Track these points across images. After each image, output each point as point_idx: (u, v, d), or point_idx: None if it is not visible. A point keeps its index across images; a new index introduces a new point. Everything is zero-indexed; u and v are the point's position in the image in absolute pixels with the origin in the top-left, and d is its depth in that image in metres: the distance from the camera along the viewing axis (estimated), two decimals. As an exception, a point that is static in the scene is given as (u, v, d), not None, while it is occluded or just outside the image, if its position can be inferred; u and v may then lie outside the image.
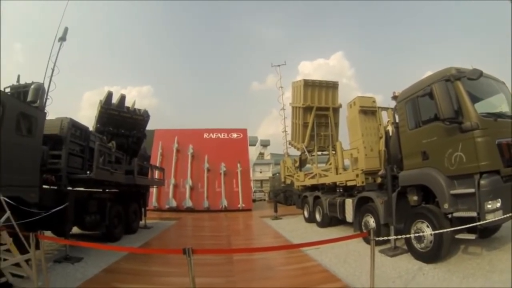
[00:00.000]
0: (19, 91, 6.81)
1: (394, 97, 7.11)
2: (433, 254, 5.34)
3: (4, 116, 5.02)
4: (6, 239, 3.99)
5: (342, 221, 9.97)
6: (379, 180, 8.20)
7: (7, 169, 4.90)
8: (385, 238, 5.37)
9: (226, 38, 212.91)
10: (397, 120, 6.94)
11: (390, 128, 7.73)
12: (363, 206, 8.07)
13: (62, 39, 7.57)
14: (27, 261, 4.13)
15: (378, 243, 6.38)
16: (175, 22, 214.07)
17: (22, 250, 4.13)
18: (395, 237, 5.95)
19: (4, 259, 4.07)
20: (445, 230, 4.86)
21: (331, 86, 14.93)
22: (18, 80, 7.04)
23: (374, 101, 9.07)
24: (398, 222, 6.41)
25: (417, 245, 5.70)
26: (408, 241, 5.94)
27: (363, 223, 7.93)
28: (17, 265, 4.13)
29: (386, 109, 8.73)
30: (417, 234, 5.60)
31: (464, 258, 5.62)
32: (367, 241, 7.17)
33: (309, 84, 14.54)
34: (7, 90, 6.70)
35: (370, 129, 8.78)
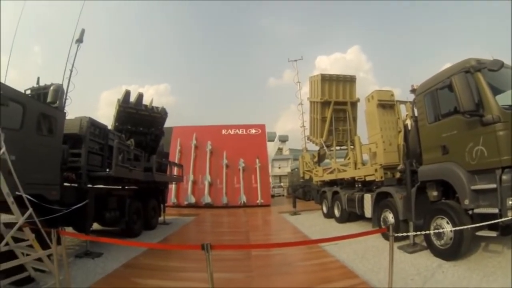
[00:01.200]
0: (39, 92, 6.94)
1: (413, 90, 6.92)
2: (453, 252, 5.20)
3: (25, 117, 5.15)
4: (29, 235, 4.09)
5: (360, 217, 9.86)
6: (398, 175, 8.05)
7: (29, 168, 5.01)
8: (404, 234, 5.27)
9: (242, 35, 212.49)
10: (416, 114, 6.77)
11: (409, 122, 7.57)
12: (382, 201, 7.93)
13: (79, 40, 7.67)
14: (49, 256, 4.24)
15: (397, 239, 6.27)
16: (191, 20, 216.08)
17: (44, 245, 4.23)
18: (414, 233, 5.82)
19: (27, 254, 4.18)
20: (465, 227, 4.69)
21: (349, 80, 14.76)
22: (38, 82, 7.20)
23: (392, 95, 8.87)
24: (417, 218, 6.28)
25: (436, 242, 5.56)
26: (427, 237, 5.81)
27: (381, 219, 7.80)
28: (39, 260, 4.24)
29: (404, 102, 8.50)
30: (436, 231, 5.41)
31: (484, 256, 5.44)
32: (385, 237, 7.08)
33: (326, 79, 14.42)
34: (28, 92, 6.87)
35: (389, 123, 8.59)
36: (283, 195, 36.49)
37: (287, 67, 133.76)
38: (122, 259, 6.27)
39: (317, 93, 14.77)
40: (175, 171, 14.49)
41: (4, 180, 3.70)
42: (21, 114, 5.11)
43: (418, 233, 5.13)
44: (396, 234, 3.87)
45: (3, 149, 3.68)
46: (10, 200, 3.82)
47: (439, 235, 5.48)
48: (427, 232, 5.50)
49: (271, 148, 48.09)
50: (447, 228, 5.27)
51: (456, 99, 5.11)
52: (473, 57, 5.24)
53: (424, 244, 6.09)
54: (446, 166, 5.55)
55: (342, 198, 10.94)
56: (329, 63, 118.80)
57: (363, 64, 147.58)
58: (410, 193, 6.49)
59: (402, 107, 8.64)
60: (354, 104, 14.78)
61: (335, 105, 14.42)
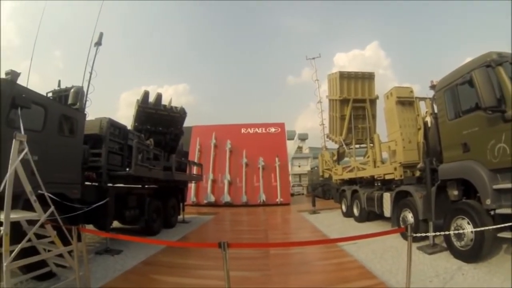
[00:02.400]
0: (61, 95, 7.15)
1: (432, 86, 6.73)
2: (473, 253, 5.00)
3: (46, 119, 5.33)
4: (51, 232, 4.21)
5: (380, 216, 9.69)
6: (417, 173, 7.84)
7: (51, 167, 5.16)
8: (423, 234, 5.14)
9: (260, 34, 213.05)
10: (435, 111, 6.60)
11: (428, 119, 7.37)
12: (401, 200, 7.77)
13: (98, 43, 7.83)
14: (69, 252, 4.34)
15: (416, 240, 6.18)
16: (209, 20, 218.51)
17: (65, 242, 4.34)
18: (434, 233, 5.66)
19: (49, 250, 4.32)
20: (486, 228, 4.52)
21: (367, 77, 14.58)
22: (59, 85, 7.43)
23: (411, 91, 8.62)
24: (437, 218, 6.10)
25: (456, 243, 5.37)
26: (447, 238, 5.62)
27: (401, 218, 7.63)
28: (60, 256, 4.36)
29: (424, 99, 8.23)
30: (457, 231, 5.22)
31: (506, 258, 5.17)
32: (404, 237, 6.92)
33: (344, 76, 14.30)
34: (50, 94, 7.08)
35: (408, 121, 8.36)
36: (302, 194, 36.35)
37: (306, 65, 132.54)
38: (141, 257, 6.40)
39: (336, 91, 14.65)
40: (195, 170, 14.62)
41: (27, 180, 3.81)
42: (43, 116, 5.28)
43: (438, 233, 5.01)
44: (415, 234, 3.79)
45: (26, 150, 3.77)
46: (32, 198, 3.92)
47: (459, 236, 5.29)
48: (447, 232, 5.33)
49: (291, 146, 47.90)
50: (468, 229, 5.07)
51: (477, 95, 4.92)
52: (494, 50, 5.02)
53: (444, 245, 5.90)
54: (467, 165, 5.35)
55: (361, 197, 10.82)
56: (347, 60, 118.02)
57: (382, 61, 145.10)
58: (430, 192, 6.31)
59: (422, 104, 8.38)
60: (373, 102, 14.59)
61: (354, 102, 14.29)
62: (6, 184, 3.47)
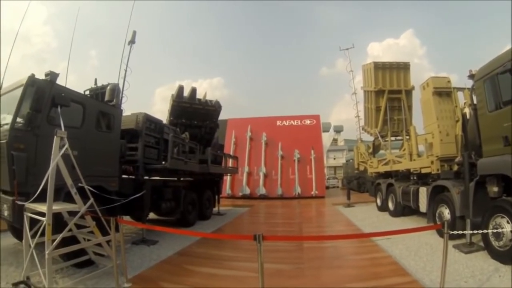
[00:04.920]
0: (97, 92, 7.35)
1: (471, 76, 6.35)
2: (512, 254, 4.71)
3: (85, 116, 5.63)
4: (90, 223, 4.43)
5: (415, 211, 9.37)
6: (455, 167, 7.50)
7: (90, 161, 5.44)
8: (460, 232, 4.92)
9: (292, 25, 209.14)
10: (475, 102, 6.22)
11: (467, 111, 7.02)
12: (438, 195, 7.45)
13: (132, 41, 8.10)
14: (108, 242, 4.57)
15: (452, 237, 5.90)
16: (241, 13, 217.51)
17: (104, 232, 4.57)
18: (471, 231, 5.39)
19: (88, 240, 4.59)
20: (527, 228, 4.26)
21: (402, 67, 14.06)
22: (95, 83, 7.68)
23: (449, 81, 8.22)
24: (475, 216, 5.77)
25: (495, 243, 5.06)
26: (485, 237, 5.32)
27: (437, 214, 7.33)
28: (99, 245, 4.61)
29: (462, 89, 7.83)
30: (495, 230, 4.95)
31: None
32: (440, 234, 6.67)
33: (379, 67, 13.91)
34: (87, 92, 7.36)
35: (446, 112, 8.00)
36: (337, 187, 35.87)
37: (339, 56, 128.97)
38: (176, 247, 6.59)
39: (371, 82, 14.29)
40: (230, 162, 14.72)
41: (68, 174, 4.05)
42: (82, 113, 5.58)
43: (475, 231, 4.79)
44: (451, 232, 3.65)
45: (66, 145, 3.96)
46: (73, 191, 4.18)
47: (498, 235, 4.98)
48: (485, 231, 5.08)
49: (326, 138, 47.12)
50: (507, 228, 4.77)
51: (518, 85, 4.59)
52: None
53: (481, 244, 5.60)
54: (507, 159, 5.01)
55: (396, 190, 10.51)
56: (381, 50, 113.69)
57: (417, 49, 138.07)
58: (468, 187, 6.00)
59: (460, 95, 7.99)
60: (409, 92, 14.06)
61: (389, 93, 13.86)
62: (49, 178, 3.69)
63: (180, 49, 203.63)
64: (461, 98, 8.00)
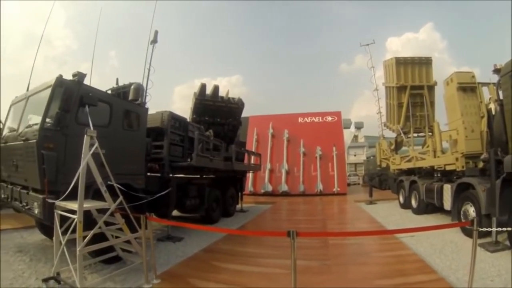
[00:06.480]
0: (119, 92, 7.37)
1: (496, 71, 6.25)
2: (539, 254, 4.65)
3: (112, 115, 5.70)
4: (120, 220, 4.43)
5: (439, 209, 9.25)
6: (481, 165, 7.34)
7: (118, 160, 5.42)
8: (487, 229, 4.88)
9: (308, 24, 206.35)
10: (501, 97, 6.10)
11: (493, 106, 6.82)
12: (463, 193, 7.35)
13: (154, 41, 8.12)
14: (136, 238, 4.60)
15: (478, 236, 5.81)
16: (258, 11, 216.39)
17: (132, 229, 4.52)
18: (498, 229, 5.32)
19: (116, 237, 4.59)
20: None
21: (424, 62, 13.88)
22: (117, 83, 7.75)
23: (473, 76, 8.04)
24: (501, 214, 5.67)
25: (521, 242, 5.01)
26: (511, 236, 5.27)
27: (462, 212, 7.23)
28: (127, 242, 4.58)
29: (487, 84, 7.64)
30: (522, 229, 4.90)
31: None
32: (465, 232, 6.70)
33: (401, 62, 13.77)
34: (109, 92, 7.35)
35: (470, 108, 7.83)
36: (358, 184, 35.33)
37: (358, 51, 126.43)
38: (202, 244, 6.63)
39: (392, 77, 14.16)
40: (252, 159, 14.77)
41: (97, 172, 4.13)
42: (109, 113, 5.67)
43: (502, 229, 4.73)
44: (480, 229, 3.66)
45: (96, 144, 4.04)
46: (103, 189, 4.22)
47: (524, 235, 4.93)
48: (512, 230, 5.02)
49: (347, 135, 46.52)
50: (534, 227, 4.71)
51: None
52: None
53: (507, 243, 5.53)
54: (535, 157, 4.94)
55: (420, 188, 10.38)
56: (400, 45, 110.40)
57: (438, 43, 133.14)
58: (494, 185, 5.89)
59: (485, 90, 7.79)
60: (431, 88, 13.87)
61: (411, 89, 13.72)
62: (80, 177, 3.79)
63: (198, 48, 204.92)
64: (486, 94, 7.84)
